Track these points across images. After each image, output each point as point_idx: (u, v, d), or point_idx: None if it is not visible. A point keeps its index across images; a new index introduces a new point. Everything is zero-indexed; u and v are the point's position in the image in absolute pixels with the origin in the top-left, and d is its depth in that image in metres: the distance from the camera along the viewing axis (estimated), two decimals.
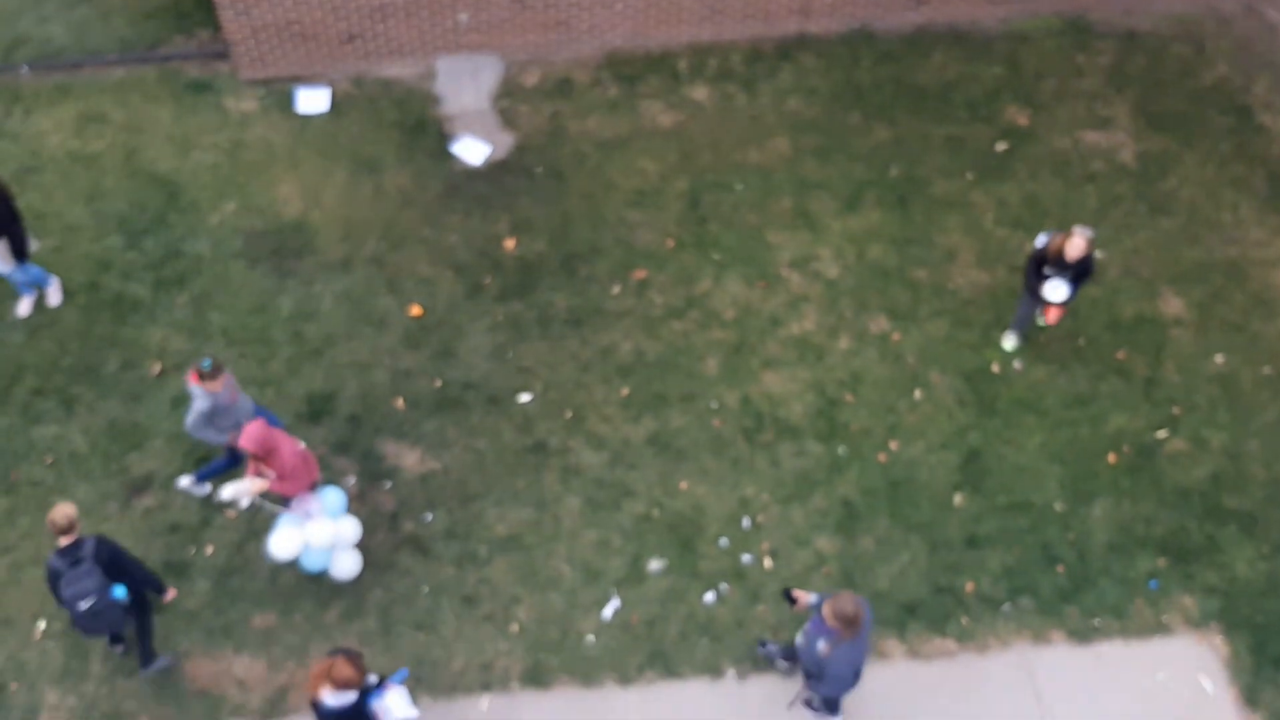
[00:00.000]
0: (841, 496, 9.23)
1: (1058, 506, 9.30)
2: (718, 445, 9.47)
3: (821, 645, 7.01)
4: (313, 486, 7.97)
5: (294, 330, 10.02)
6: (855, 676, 7.22)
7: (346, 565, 8.33)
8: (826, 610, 6.78)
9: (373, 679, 6.94)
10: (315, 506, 7.94)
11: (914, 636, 8.61)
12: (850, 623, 6.75)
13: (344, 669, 6.56)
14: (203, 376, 7.77)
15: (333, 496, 8.12)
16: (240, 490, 7.81)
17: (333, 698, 6.62)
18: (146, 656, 7.99)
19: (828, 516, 9.13)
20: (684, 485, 9.23)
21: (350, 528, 8.17)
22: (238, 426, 8.10)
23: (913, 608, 8.74)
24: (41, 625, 8.36)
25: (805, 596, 7.41)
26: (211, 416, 8.03)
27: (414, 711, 7.01)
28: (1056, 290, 9.20)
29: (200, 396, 7.90)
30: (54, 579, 7.18)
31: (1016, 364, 10.04)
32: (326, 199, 10.96)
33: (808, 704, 8.12)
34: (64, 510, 7.12)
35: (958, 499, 9.29)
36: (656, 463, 9.33)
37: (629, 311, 10.28)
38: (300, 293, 10.28)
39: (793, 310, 10.34)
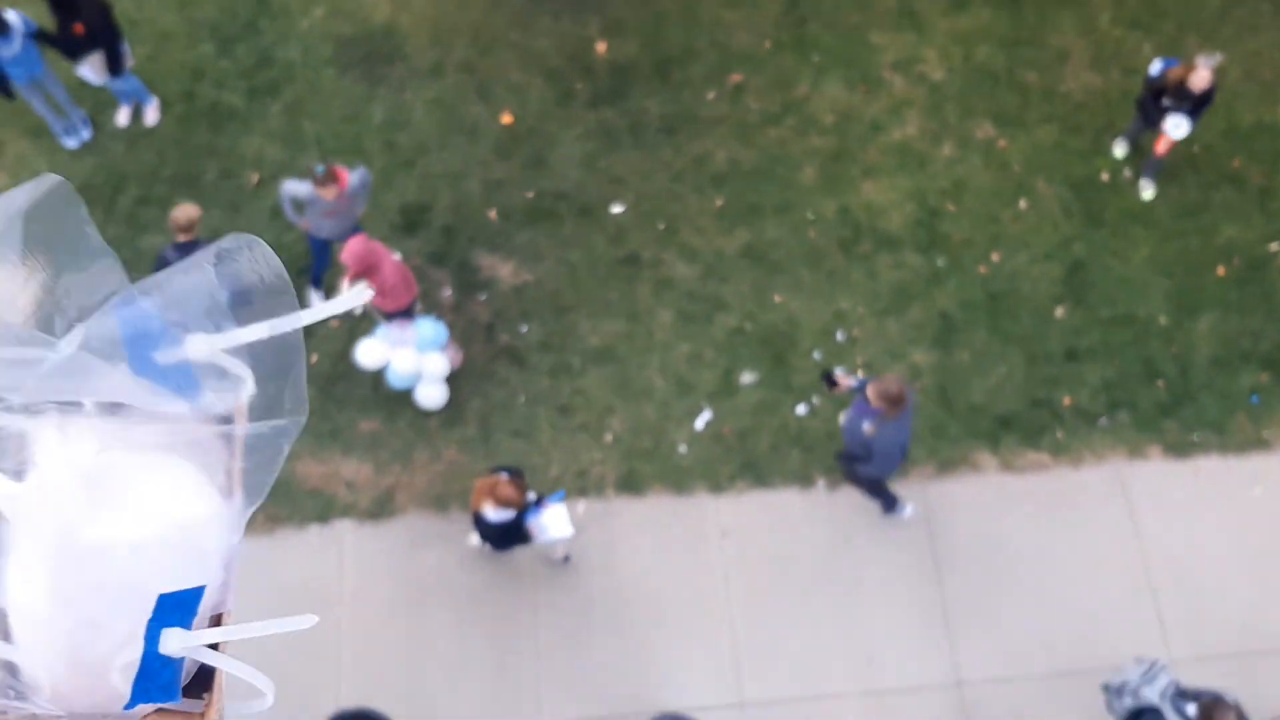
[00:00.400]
0: (939, 309, 9.10)
1: (1162, 320, 9.07)
2: (813, 257, 9.34)
3: (867, 426, 7.11)
4: (412, 302, 8.09)
5: (386, 139, 9.97)
6: (902, 454, 7.38)
7: (431, 396, 8.52)
8: (871, 391, 6.89)
9: (532, 497, 7.21)
10: (410, 335, 8.07)
11: (1007, 450, 8.62)
12: (895, 402, 6.85)
13: (507, 490, 6.87)
14: (316, 181, 7.87)
15: (428, 329, 8.21)
16: (349, 301, 7.95)
17: (494, 513, 6.92)
18: None
19: (924, 329, 9.03)
20: (778, 298, 9.16)
21: (436, 363, 8.31)
22: (321, 228, 8.29)
23: (1008, 421, 8.71)
24: None
25: (846, 379, 7.45)
26: (302, 204, 8.21)
27: (570, 530, 7.27)
28: (1178, 127, 8.68)
29: (304, 188, 8.07)
30: (161, 268, 7.50)
31: (1127, 172, 9.61)
32: (415, 2, 10.71)
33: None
34: (186, 210, 7.46)
35: (1059, 311, 9.10)
36: (750, 275, 9.26)
37: (724, 118, 9.99)
38: (391, 100, 10.18)
39: (894, 115, 9.95)
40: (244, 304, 0.72)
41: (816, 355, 8.93)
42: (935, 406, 8.75)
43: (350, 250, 7.59)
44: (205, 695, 0.74)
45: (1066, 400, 8.80)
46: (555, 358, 8.97)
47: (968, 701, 7.82)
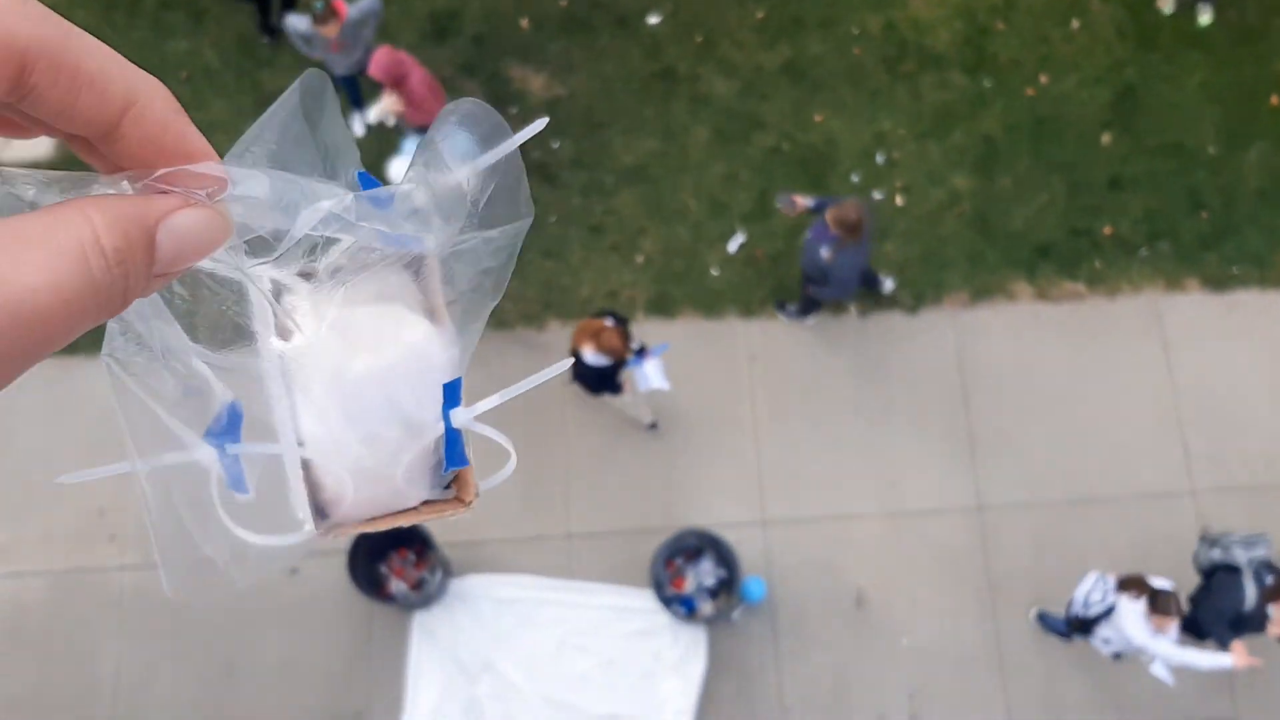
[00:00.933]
0: (983, 132, 8.84)
1: (1210, 150, 8.81)
2: (856, 75, 9.02)
3: (825, 252, 7.05)
4: None
5: None
6: (859, 279, 7.36)
7: None
8: (830, 217, 6.80)
9: (634, 346, 7.09)
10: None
11: (1043, 279, 8.52)
12: (853, 229, 6.80)
13: (611, 338, 6.69)
14: (315, 19, 7.53)
15: (462, 141, 8.00)
16: (383, 110, 7.77)
17: (593, 357, 6.82)
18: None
19: (966, 153, 8.79)
20: (818, 117, 8.90)
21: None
22: (334, 64, 7.97)
23: (1045, 249, 8.58)
24: None
25: (803, 200, 7.31)
26: (308, 39, 7.88)
27: (667, 384, 7.21)
28: None
29: (304, 23, 7.74)
30: None
31: None
32: None
33: (780, 306, 8.33)
34: None
35: (1105, 138, 8.84)
36: (790, 93, 8.97)
37: None
38: None
39: None
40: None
41: (855, 178, 8.73)
42: (973, 233, 8.61)
43: (377, 62, 7.35)
44: (457, 478, 0.90)
45: (1107, 230, 8.64)
46: (587, 176, 8.80)
47: (988, 525, 7.97)
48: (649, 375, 7.15)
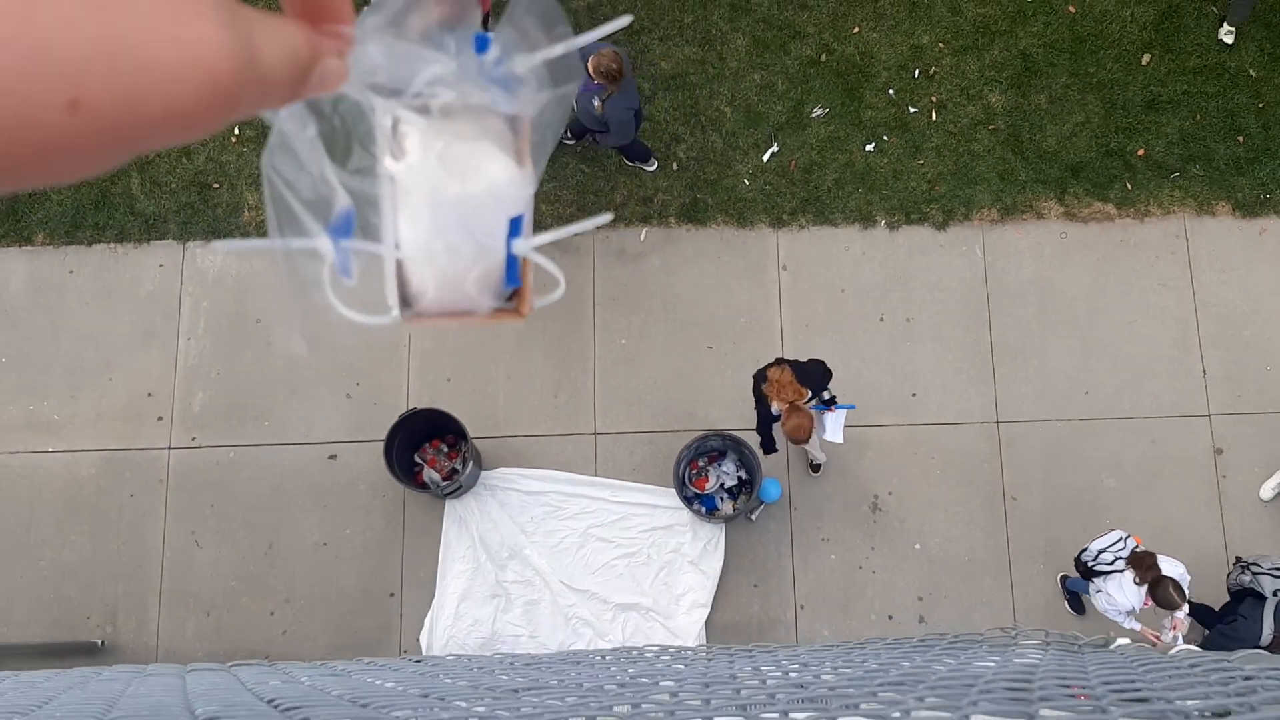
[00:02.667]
0: (1021, 49, 8.83)
1: (1252, 72, 8.76)
2: None
3: (596, 103, 7.30)
4: (486, 15, 7.96)
5: None
6: (638, 118, 7.57)
7: None
8: (591, 68, 7.06)
9: (826, 395, 7.12)
10: None
11: (1073, 198, 8.58)
12: (614, 77, 7.04)
13: (803, 426, 6.68)
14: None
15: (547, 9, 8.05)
16: None
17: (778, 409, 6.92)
18: None
19: (1003, 70, 8.80)
20: (856, 29, 8.91)
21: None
22: None
23: (1077, 169, 8.63)
24: (236, 131, 8.92)
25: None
26: None
27: (842, 439, 7.22)
28: None
29: None
30: None
31: None
32: None
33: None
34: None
35: (1146, 59, 8.81)
36: (830, 3, 8.96)
37: None
38: None
39: None
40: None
41: (891, 92, 8.77)
42: (1005, 150, 8.66)
43: None
44: (516, 294, 1.09)
45: (1140, 151, 8.66)
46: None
47: (1003, 438, 8.18)
48: (828, 426, 7.21)
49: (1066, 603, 7.90)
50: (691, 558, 7.89)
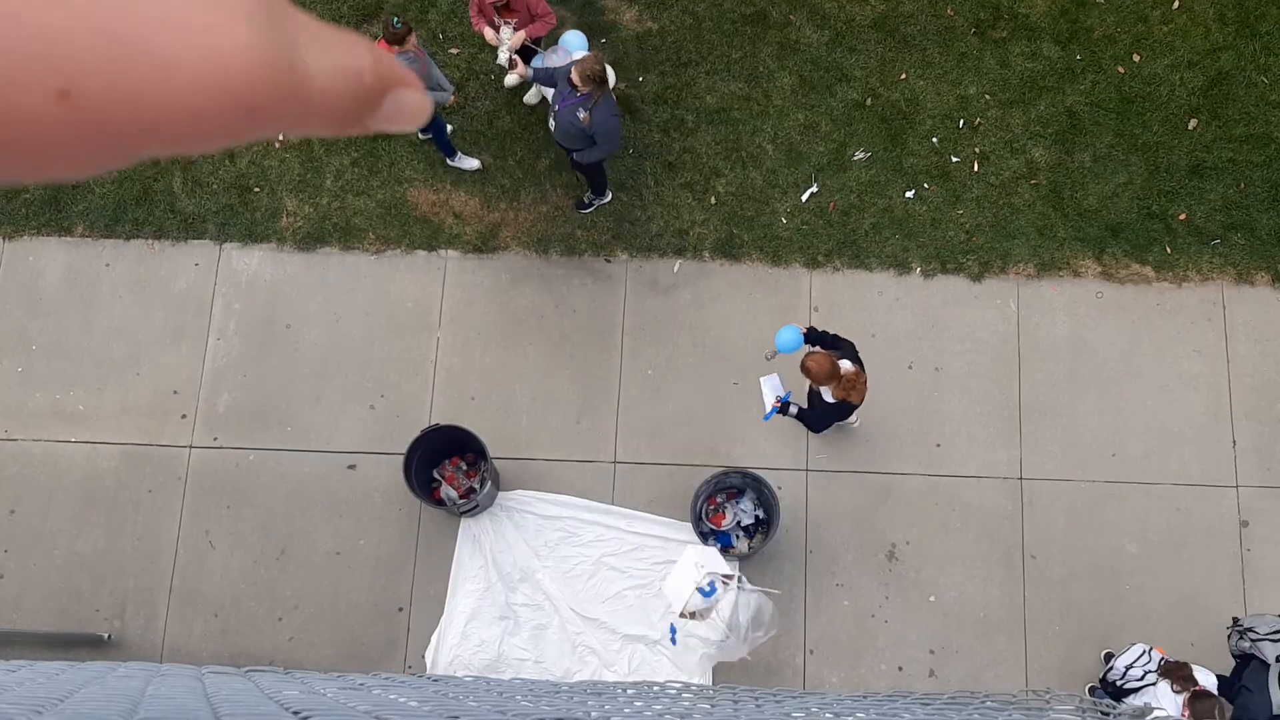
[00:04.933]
0: (1068, 106, 8.80)
1: None
2: (947, 36, 8.99)
3: (582, 114, 7.22)
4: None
5: None
6: (619, 125, 7.47)
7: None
8: (576, 76, 6.97)
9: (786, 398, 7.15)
10: (562, 52, 7.86)
11: (1111, 258, 8.53)
12: (600, 80, 6.99)
13: (860, 395, 6.81)
14: (390, 39, 7.19)
15: (573, 38, 8.03)
16: (511, 45, 7.65)
17: (830, 395, 6.86)
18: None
19: (1049, 126, 8.77)
20: (904, 76, 8.91)
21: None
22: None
23: (1117, 230, 8.58)
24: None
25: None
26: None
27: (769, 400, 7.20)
28: None
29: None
30: None
31: None
32: None
33: (580, 205, 8.62)
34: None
35: (1192, 124, 8.76)
36: (879, 48, 8.97)
37: None
38: None
39: None
40: None
41: (934, 140, 8.76)
42: (1046, 205, 8.62)
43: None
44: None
45: (1182, 216, 8.61)
46: (669, 112, 8.90)
47: (1027, 494, 8.09)
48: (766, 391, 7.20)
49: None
50: None
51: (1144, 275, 8.54)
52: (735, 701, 3.14)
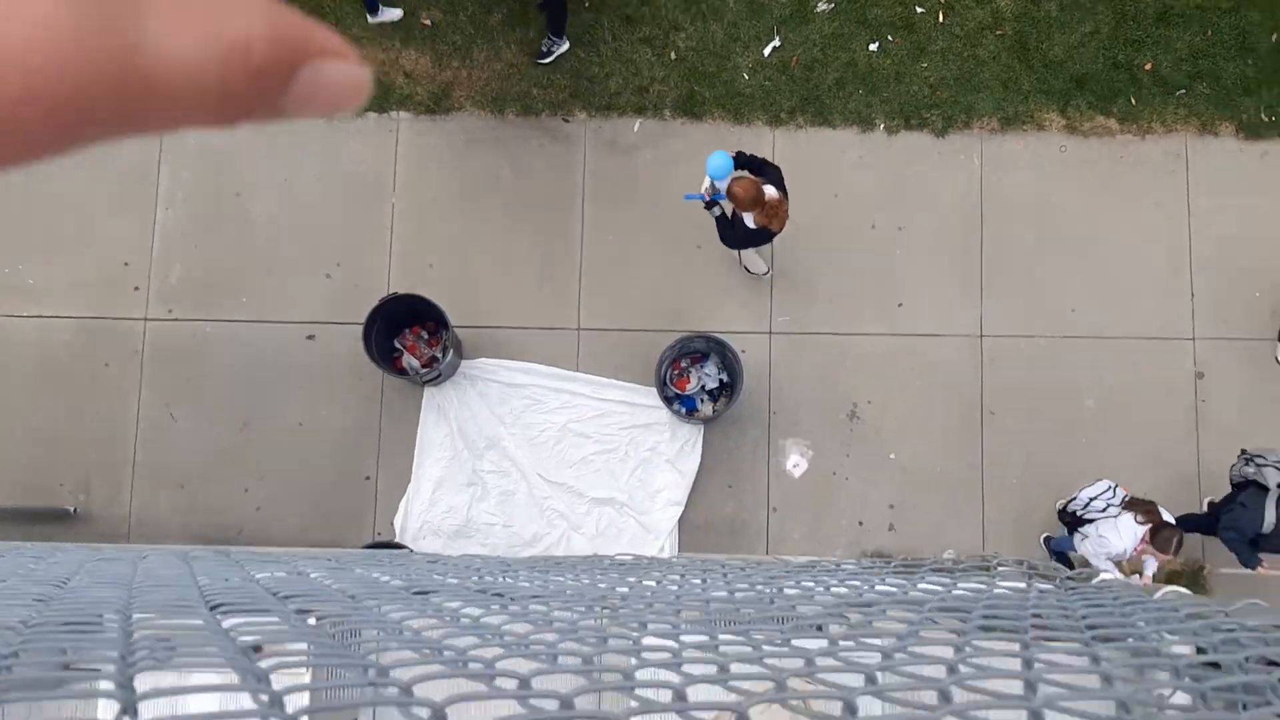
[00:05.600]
0: None
1: None
2: None
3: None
4: None
5: None
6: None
7: None
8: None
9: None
10: None
11: (1076, 111, 8.41)
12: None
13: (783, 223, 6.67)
14: None
15: None
16: None
17: (753, 222, 6.69)
18: None
19: None
20: None
21: None
22: None
23: (1082, 81, 8.44)
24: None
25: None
26: None
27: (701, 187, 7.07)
28: None
29: None
30: None
31: None
32: None
33: (538, 57, 8.35)
34: None
35: None
36: None
37: None
38: None
39: None
40: None
41: None
42: (1011, 57, 8.45)
43: None
44: None
45: (1148, 65, 8.47)
46: None
47: (987, 352, 8.16)
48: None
49: (1053, 560, 7.95)
50: (668, 456, 7.92)
51: (1108, 128, 8.44)
52: (683, 573, 3.17)
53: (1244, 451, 7.22)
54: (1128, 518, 6.69)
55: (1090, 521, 6.90)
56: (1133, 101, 8.45)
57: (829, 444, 8.08)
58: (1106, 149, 8.43)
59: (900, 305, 8.20)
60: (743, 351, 7.74)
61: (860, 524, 8.02)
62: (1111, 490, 6.90)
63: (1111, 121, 8.45)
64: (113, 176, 8.26)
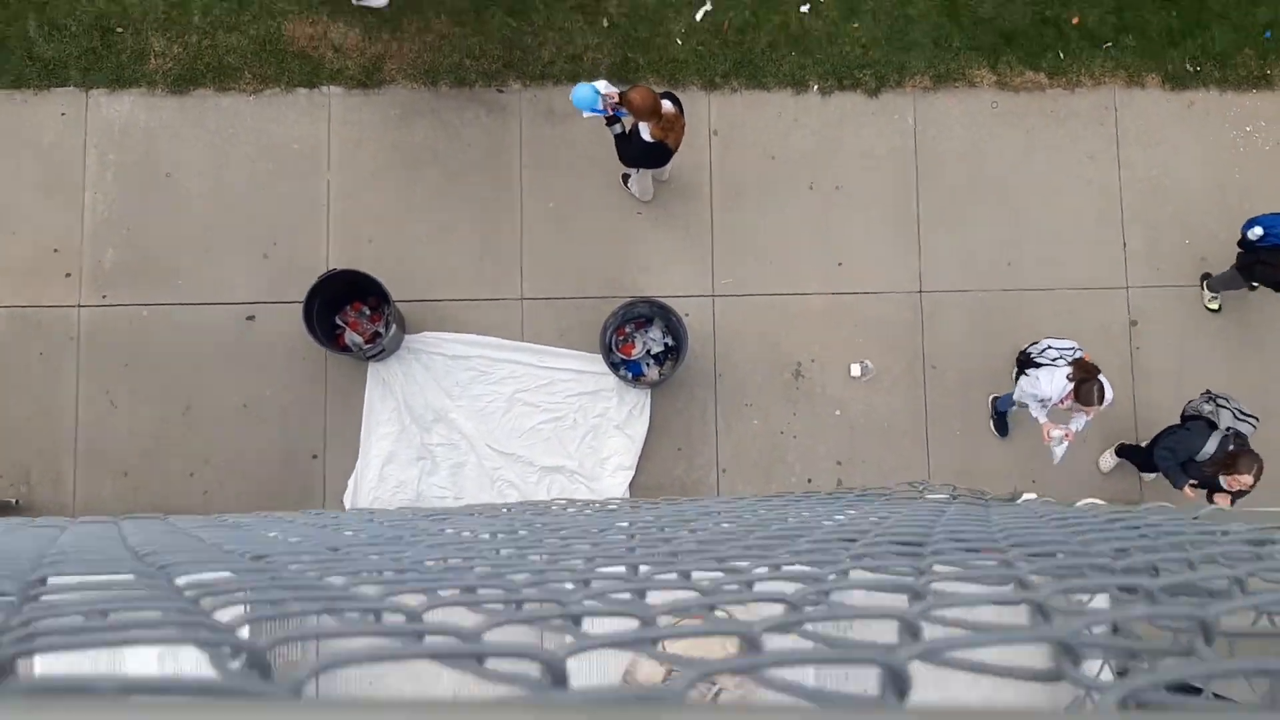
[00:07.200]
0: None
1: None
2: None
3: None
4: None
5: None
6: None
7: None
8: None
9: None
10: None
11: (1005, 67, 8.52)
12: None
13: (679, 137, 6.71)
14: None
15: None
16: None
17: (649, 135, 6.68)
18: None
19: None
20: None
21: None
22: None
23: (1010, 36, 8.54)
24: None
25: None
26: None
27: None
28: None
29: None
30: None
31: None
32: None
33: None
34: None
35: None
36: None
37: None
38: None
39: None
40: None
41: None
42: (942, 15, 8.53)
43: None
44: None
45: (1075, 19, 8.59)
46: None
47: (927, 307, 8.26)
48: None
49: (992, 423, 8.13)
50: (617, 422, 7.94)
51: (1038, 82, 8.56)
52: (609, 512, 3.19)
53: (1208, 391, 7.40)
54: (1065, 371, 6.89)
55: (1036, 365, 7.10)
56: (1061, 56, 8.57)
57: (776, 404, 8.14)
58: (1037, 103, 8.55)
59: (840, 265, 8.27)
60: (686, 315, 7.77)
61: (809, 480, 8.11)
62: (1074, 350, 7.09)
63: (1041, 76, 8.56)
64: (37, 160, 8.08)
